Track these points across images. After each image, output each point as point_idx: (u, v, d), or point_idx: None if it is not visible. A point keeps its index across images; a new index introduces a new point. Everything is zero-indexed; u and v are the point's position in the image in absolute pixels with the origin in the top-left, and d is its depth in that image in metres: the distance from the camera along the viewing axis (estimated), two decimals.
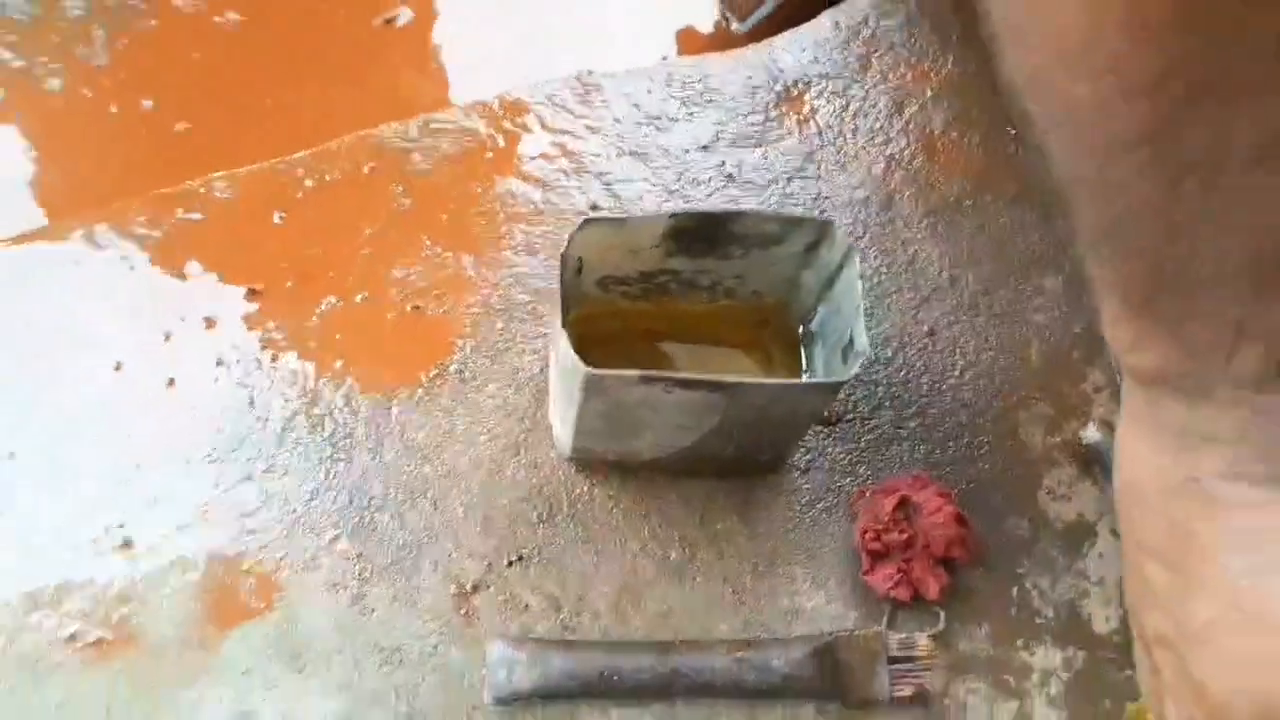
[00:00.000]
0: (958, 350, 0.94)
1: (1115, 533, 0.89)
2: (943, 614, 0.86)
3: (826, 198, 0.99)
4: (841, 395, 0.91)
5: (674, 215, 0.76)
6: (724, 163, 0.99)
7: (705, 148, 0.99)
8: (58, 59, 1.16)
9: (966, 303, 0.96)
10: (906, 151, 1.01)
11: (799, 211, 0.97)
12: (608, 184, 0.97)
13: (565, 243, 0.74)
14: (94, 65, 1.16)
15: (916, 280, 0.96)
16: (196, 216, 0.92)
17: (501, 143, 0.97)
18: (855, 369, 0.73)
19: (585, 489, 0.87)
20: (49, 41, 1.17)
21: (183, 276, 0.90)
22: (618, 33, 1.18)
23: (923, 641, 0.85)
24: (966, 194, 1.00)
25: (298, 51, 1.17)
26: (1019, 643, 0.86)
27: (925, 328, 0.95)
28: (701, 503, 0.87)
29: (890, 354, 0.94)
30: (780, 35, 1.06)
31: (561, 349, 0.72)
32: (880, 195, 0.99)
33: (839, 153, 1.01)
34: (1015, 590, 0.88)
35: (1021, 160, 1.02)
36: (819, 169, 1.00)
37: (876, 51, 1.05)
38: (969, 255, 0.98)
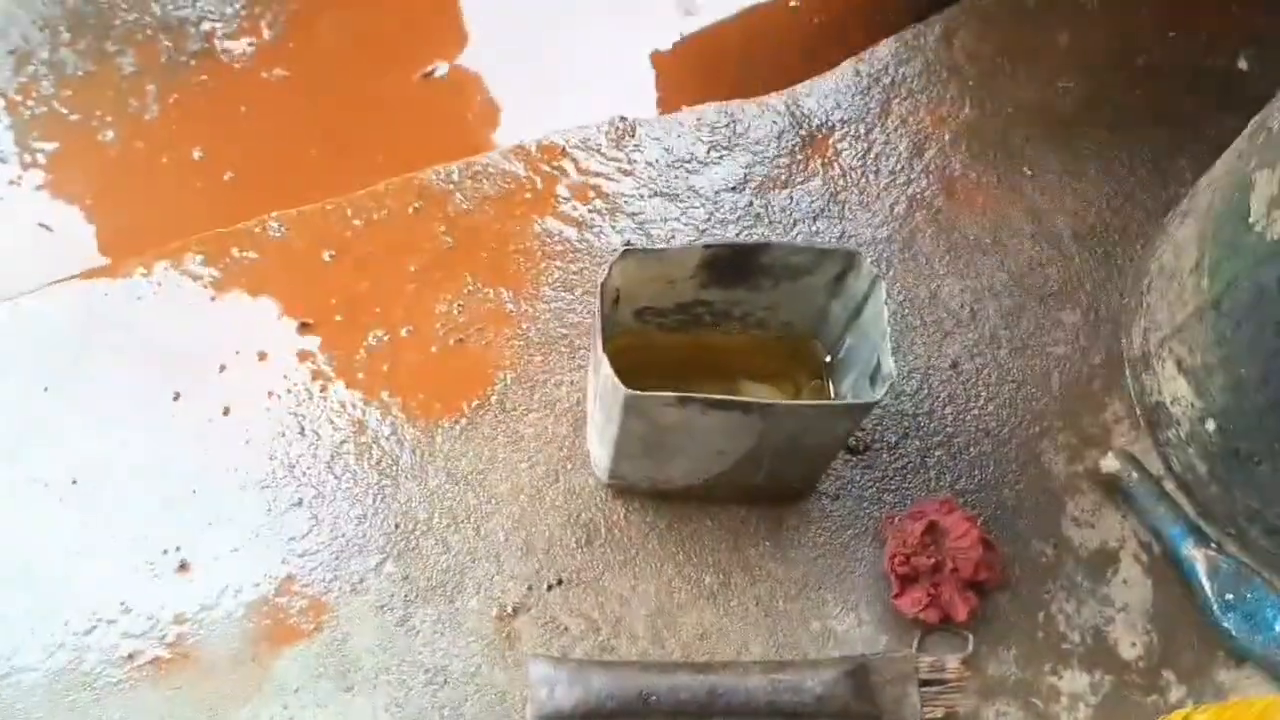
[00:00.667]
0: (980, 381, 0.98)
1: (1139, 559, 0.91)
2: (971, 637, 0.88)
3: (851, 235, 1.02)
4: (869, 425, 0.94)
5: (708, 247, 0.80)
6: (752, 203, 1.03)
7: (734, 189, 1.04)
8: (112, 113, 1.22)
9: (988, 336, 0.99)
10: (927, 192, 1.05)
11: (827, 243, 1.01)
12: (640, 224, 1.01)
13: (604, 273, 0.77)
14: (146, 118, 1.21)
15: (939, 315, 1.00)
16: (251, 255, 0.96)
17: (539, 184, 1.02)
18: (884, 391, 0.76)
19: (622, 515, 0.89)
20: (104, 96, 1.22)
21: (237, 311, 0.94)
22: (647, 81, 1.23)
23: (953, 664, 0.87)
24: (985, 232, 1.04)
25: (341, 106, 1.22)
26: (1047, 667, 0.88)
27: (948, 360, 0.98)
28: (735, 528, 0.90)
29: (915, 386, 0.97)
30: (803, 83, 1.10)
31: (603, 373, 0.75)
32: (902, 233, 1.03)
33: (862, 193, 1.05)
34: (1041, 615, 0.90)
35: (1037, 200, 1.05)
36: (843, 209, 1.04)
37: (897, 97, 1.10)
38: (989, 290, 1.01)
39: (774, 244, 0.80)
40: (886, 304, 0.79)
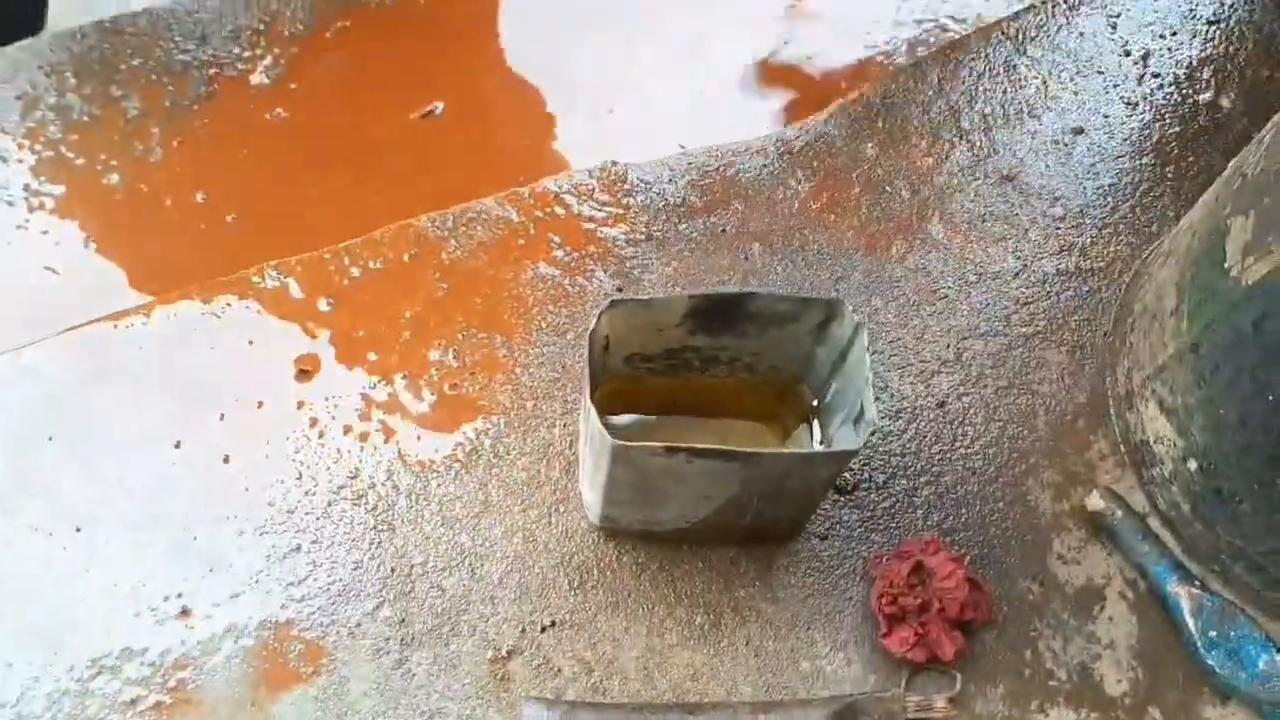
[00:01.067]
0: (966, 421, 0.99)
1: (1124, 596, 0.93)
2: (959, 676, 0.89)
3: (841, 279, 1.04)
4: (856, 465, 0.96)
5: (694, 296, 0.82)
6: (744, 247, 1.05)
7: (723, 231, 1.06)
8: (116, 156, 1.24)
9: (974, 376, 1.01)
10: (915, 230, 1.07)
11: (810, 291, 1.02)
12: (632, 269, 1.03)
13: (593, 322, 0.79)
14: (150, 161, 1.24)
15: (925, 356, 1.01)
16: (251, 304, 0.99)
17: (532, 230, 1.04)
18: (864, 438, 0.78)
19: (614, 556, 0.91)
20: (109, 140, 1.25)
21: (237, 359, 0.96)
22: (638, 128, 1.25)
23: (940, 703, 0.88)
24: (971, 270, 1.05)
25: (341, 147, 1.24)
26: (1034, 704, 0.89)
27: (935, 400, 1.00)
28: (725, 569, 0.92)
29: (903, 426, 0.98)
30: (795, 124, 1.12)
31: (591, 422, 0.77)
32: (890, 275, 1.04)
33: (856, 234, 1.06)
34: (1028, 652, 0.91)
35: (1020, 242, 1.07)
36: (835, 251, 1.05)
37: (877, 138, 1.11)
38: (975, 330, 1.03)
39: (758, 292, 0.82)
40: (869, 350, 0.81)
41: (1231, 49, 1.17)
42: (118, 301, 1.13)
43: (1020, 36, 1.16)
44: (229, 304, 0.99)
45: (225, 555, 0.89)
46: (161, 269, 1.16)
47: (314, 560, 0.90)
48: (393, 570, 0.90)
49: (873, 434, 0.77)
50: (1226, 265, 0.83)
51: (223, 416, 0.94)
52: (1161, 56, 1.16)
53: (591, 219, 1.05)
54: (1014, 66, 1.15)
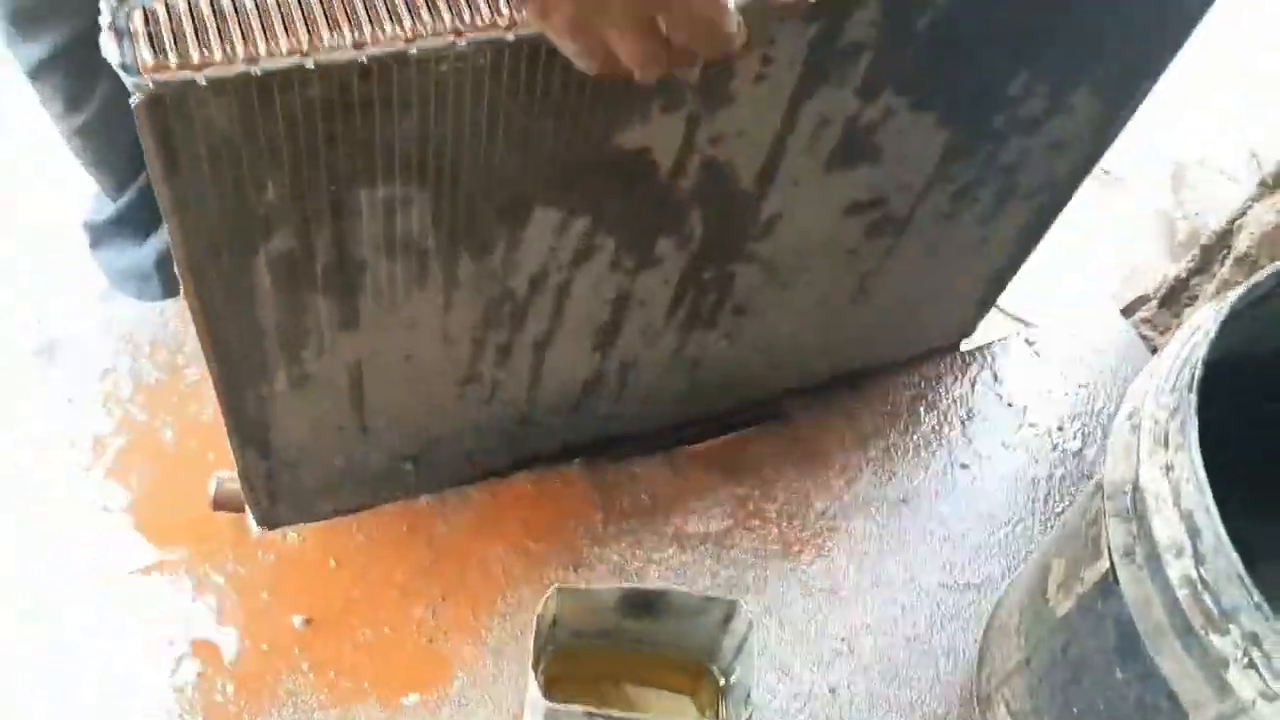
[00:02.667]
0: (854, 707, 1.19)
1: None
2: None
3: (760, 577, 1.26)
4: None
5: (623, 589, 1.04)
6: (688, 548, 1.28)
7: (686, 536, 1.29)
8: (173, 415, 1.50)
9: (863, 666, 1.21)
10: (824, 541, 1.30)
11: (713, 593, 1.24)
12: (580, 561, 1.25)
13: (540, 605, 1.01)
14: (201, 421, 1.49)
15: (822, 647, 1.22)
16: (271, 558, 1.21)
17: (505, 518, 1.27)
18: (747, 715, 0.98)
19: None
20: (169, 401, 1.51)
21: (255, 606, 1.18)
22: None
23: None
24: (865, 579, 1.27)
25: None
26: None
27: (828, 686, 1.19)
28: None
29: (799, 707, 1.18)
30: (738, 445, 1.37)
31: (531, 687, 0.97)
32: (800, 576, 1.26)
33: (777, 541, 1.29)
34: None
35: (910, 556, 1.29)
36: (767, 558, 1.28)
37: (767, 492, 1.35)
38: (865, 627, 1.24)
39: (671, 591, 1.04)
40: (760, 652, 1.02)
41: (1096, 407, 1.44)
42: (157, 544, 1.36)
43: (922, 385, 1.42)
44: (255, 558, 1.21)
45: None
46: (201, 517, 1.39)
47: None
48: None
49: (764, 713, 0.97)
50: (1047, 597, 1.05)
51: (239, 655, 1.15)
52: (1037, 409, 1.43)
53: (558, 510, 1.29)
54: (915, 408, 1.41)
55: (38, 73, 1.23)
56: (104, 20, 0.63)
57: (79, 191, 1.50)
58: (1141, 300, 1.55)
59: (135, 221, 1.49)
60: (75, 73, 1.23)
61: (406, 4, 0.69)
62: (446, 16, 0.67)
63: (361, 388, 1.02)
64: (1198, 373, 0.89)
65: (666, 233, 0.98)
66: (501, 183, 0.83)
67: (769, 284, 1.12)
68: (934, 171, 1.05)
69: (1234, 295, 0.94)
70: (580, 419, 1.23)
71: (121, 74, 0.63)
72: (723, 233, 1.01)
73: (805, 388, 1.38)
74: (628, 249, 0.98)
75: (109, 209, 1.50)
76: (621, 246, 0.97)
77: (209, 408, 1.48)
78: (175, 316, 1.55)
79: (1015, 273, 1.35)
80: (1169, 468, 0.88)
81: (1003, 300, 1.45)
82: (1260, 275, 0.95)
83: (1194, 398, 0.88)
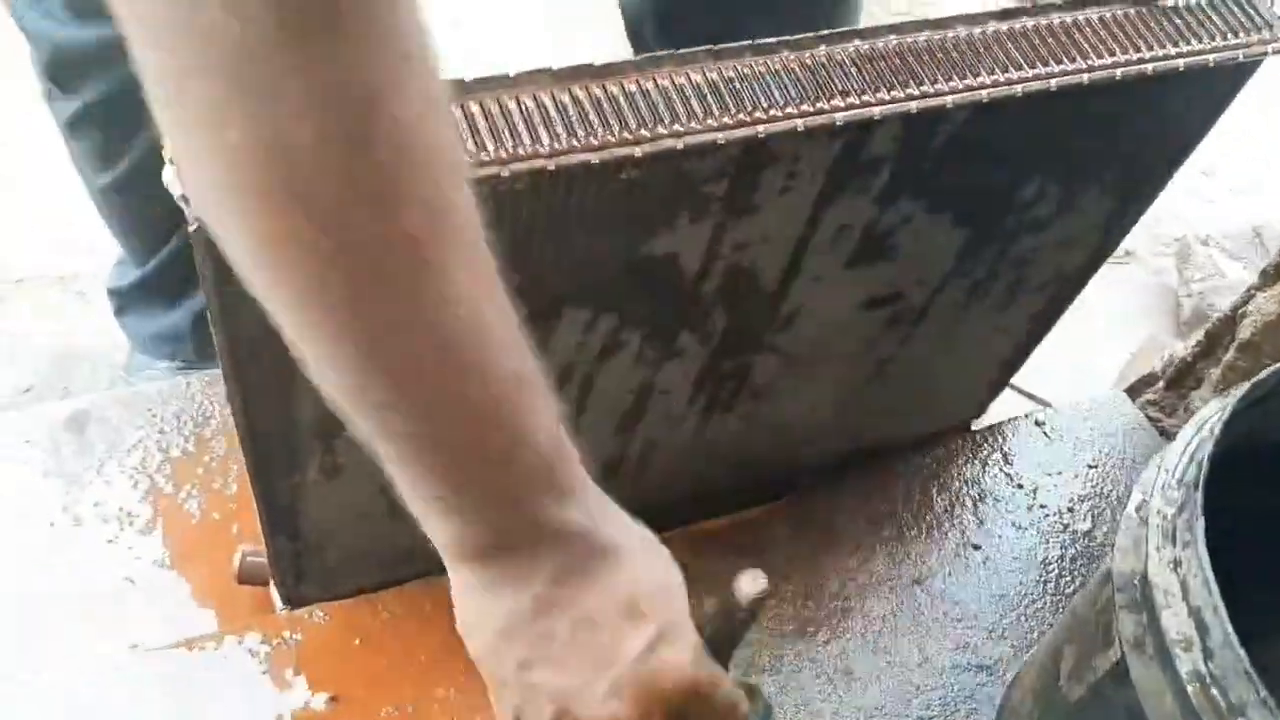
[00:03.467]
0: None
1: None
2: None
3: (777, 657, 1.28)
4: None
5: None
6: None
7: None
8: (199, 487, 1.52)
9: None
10: (838, 623, 1.32)
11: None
12: None
13: None
14: (226, 494, 1.52)
15: None
16: (299, 637, 1.23)
17: None
18: None
19: None
20: (194, 474, 1.54)
21: (281, 684, 1.20)
22: None
23: None
24: (880, 659, 1.29)
25: None
26: None
27: None
28: None
29: None
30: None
31: None
32: (814, 655, 1.28)
33: (792, 620, 1.31)
34: None
35: (924, 638, 1.31)
36: (781, 638, 1.30)
37: (816, 540, 1.38)
38: (880, 709, 1.26)
39: None
40: None
41: (1106, 489, 1.46)
42: (181, 617, 1.38)
43: (934, 465, 1.45)
44: (281, 636, 1.23)
45: None
46: (225, 590, 1.41)
47: None
48: None
49: None
50: (1059, 684, 1.07)
51: None
52: (1048, 491, 1.45)
53: None
54: (928, 489, 1.43)
55: (73, 126, 1.27)
56: (166, 152, 0.67)
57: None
58: (1148, 380, 1.58)
59: (165, 285, 1.51)
60: (110, 127, 1.26)
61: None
62: (490, 146, 0.71)
63: None
64: (1204, 471, 0.92)
65: (690, 328, 1.01)
66: (535, 287, 0.86)
67: (787, 372, 1.16)
68: (950, 267, 1.08)
69: (1237, 394, 0.97)
70: None
71: (182, 205, 0.67)
72: (744, 327, 1.04)
73: (819, 466, 1.41)
74: (651, 344, 1.01)
75: (133, 274, 1.53)
76: (646, 342, 1.00)
77: (234, 482, 1.51)
78: (200, 391, 1.59)
79: (1028, 356, 1.38)
80: (1177, 563, 0.91)
81: None
82: (1263, 374, 0.98)
83: (1199, 496, 0.91)
